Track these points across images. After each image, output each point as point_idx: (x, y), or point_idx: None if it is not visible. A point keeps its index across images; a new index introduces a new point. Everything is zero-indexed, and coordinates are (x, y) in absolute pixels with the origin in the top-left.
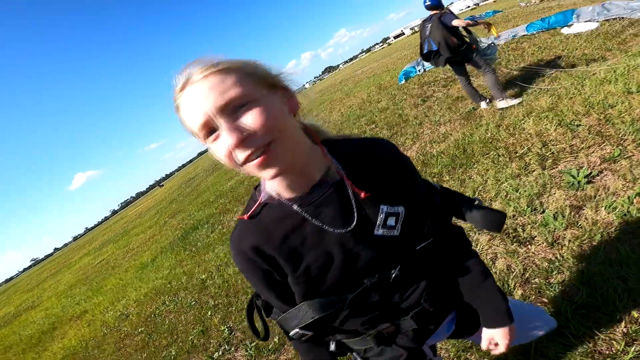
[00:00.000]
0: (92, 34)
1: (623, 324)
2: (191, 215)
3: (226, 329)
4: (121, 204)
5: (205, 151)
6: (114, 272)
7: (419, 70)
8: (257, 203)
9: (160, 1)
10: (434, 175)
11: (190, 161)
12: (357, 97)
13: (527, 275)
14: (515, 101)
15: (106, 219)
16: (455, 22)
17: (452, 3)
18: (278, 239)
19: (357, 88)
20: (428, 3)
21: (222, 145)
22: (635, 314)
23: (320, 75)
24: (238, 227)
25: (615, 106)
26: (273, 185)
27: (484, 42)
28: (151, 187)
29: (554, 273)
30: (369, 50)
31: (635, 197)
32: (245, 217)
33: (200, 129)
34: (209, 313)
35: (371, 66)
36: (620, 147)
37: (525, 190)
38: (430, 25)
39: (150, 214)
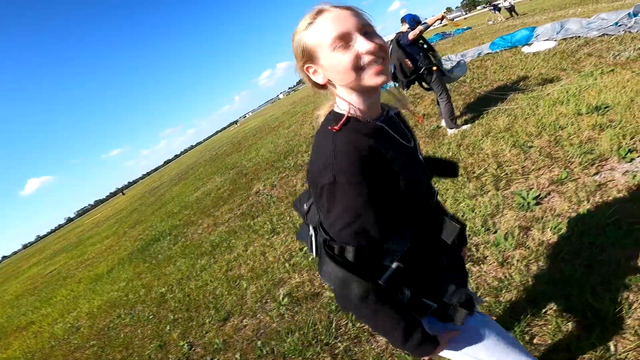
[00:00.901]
0: (46, 31)
1: (566, 342)
2: (153, 226)
3: (186, 344)
4: (78, 211)
5: (172, 159)
6: (66, 283)
7: (390, 86)
8: (345, 117)
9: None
10: None
11: (156, 169)
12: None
13: (479, 293)
14: (466, 127)
15: (60, 226)
16: (410, 36)
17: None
18: (384, 144)
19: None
20: (402, 17)
21: (354, 50)
22: (575, 331)
23: (295, 86)
24: (344, 136)
25: (565, 128)
26: (355, 105)
27: (453, 59)
28: (112, 194)
29: (503, 292)
30: None
31: (578, 220)
32: (337, 127)
33: (336, 38)
34: (168, 327)
35: None
36: (567, 170)
37: (480, 211)
38: (391, 46)
39: (108, 223)
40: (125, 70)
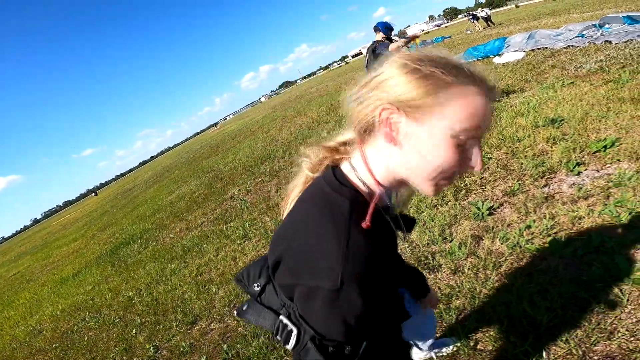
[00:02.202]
0: (15, 27)
1: (505, 348)
2: (124, 229)
3: (152, 347)
4: (45, 212)
5: (148, 161)
6: (29, 286)
7: None
8: (372, 207)
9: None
10: None
11: (130, 170)
12: (308, 116)
13: None
14: None
15: (26, 228)
16: (391, 47)
17: (409, 26)
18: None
19: (309, 106)
20: (375, 25)
21: (463, 159)
22: (513, 338)
23: (277, 89)
24: (362, 235)
25: (522, 140)
26: (382, 189)
27: None
28: (82, 195)
29: (453, 299)
30: (327, 67)
31: (525, 230)
32: (367, 224)
33: (471, 129)
34: (134, 331)
35: (326, 84)
36: (519, 182)
37: (439, 220)
38: (367, 55)
39: (77, 225)
40: (102, 67)
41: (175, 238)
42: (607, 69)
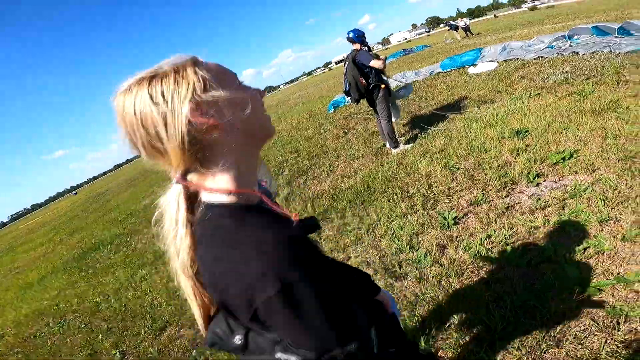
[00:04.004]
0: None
1: (463, 355)
2: (94, 234)
3: (118, 353)
4: (11, 216)
5: (123, 164)
6: None
7: (348, 101)
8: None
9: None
10: (339, 211)
11: (104, 173)
12: (288, 122)
13: (397, 307)
14: (408, 146)
15: None
16: (373, 63)
17: (392, 34)
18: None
19: (290, 113)
20: (348, 36)
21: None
22: (470, 346)
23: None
24: (260, 227)
25: (489, 151)
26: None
27: (408, 76)
28: (52, 198)
29: (417, 306)
30: (310, 73)
31: (485, 239)
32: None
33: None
34: (100, 336)
35: (308, 91)
36: (484, 192)
37: (407, 229)
38: (347, 63)
39: (45, 229)
40: (75, 65)
41: (148, 244)
42: (572, 80)
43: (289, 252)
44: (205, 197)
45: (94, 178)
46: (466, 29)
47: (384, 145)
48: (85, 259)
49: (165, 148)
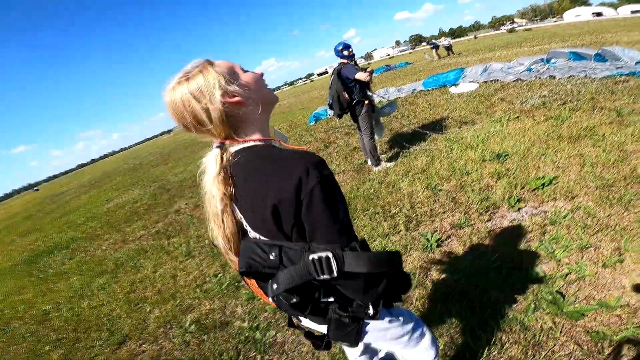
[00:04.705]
0: None
1: None
2: (48, 237)
3: None
4: None
5: (88, 164)
6: None
7: (330, 114)
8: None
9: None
10: None
11: (66, 173)
12: None
13: None
14: (390, 164)
15: None
16: (358, 76)
17: (375, 49)
18: None
19: (270, 122)
20: (338, 48)
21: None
22: None
23: None
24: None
25: (470, 173)
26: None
27: (391, 92)
28: (7, 196)
29: None
30: (292, 83)
31: (469, 263)
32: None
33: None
34: (47, 347)
35: (289, 101)
36: (466, 215)
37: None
38: (333, 76)
39: None
40: (43, 60)
41: (108, 250)
42: (549, 104)
43: (320, 158)
44: (240, 146)
45: (55, 177)
46: (449, 48)
47: (366, 161)
48: (36, 263)
49: (209, 126)
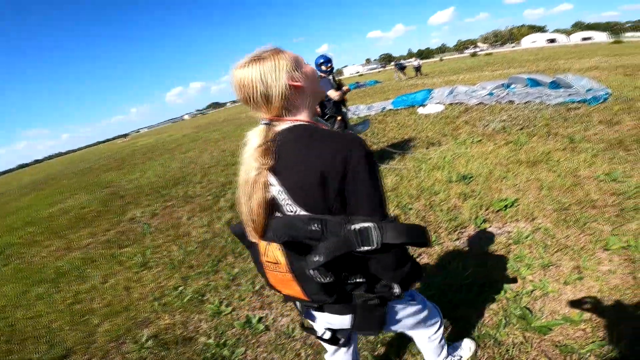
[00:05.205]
0: None
1: None
2: None
3: None
4: None
5: (30, 164)
6: None
7: None
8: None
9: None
10: None
11: (4, 173)
12: (234, 142)
13: (359, 344)
14: None
15: None
16: (330, 93)
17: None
18: None
19: (237, 131)
20: (319, 62)
21: None
22: None
23: (204, 109)
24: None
25: (438, 194)
26: None
27: (361, 109)
28: None
29: (378, 346)
30: None
31: (441, 281)
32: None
33: None
34: None
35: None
36: (436, 234)
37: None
38: None
39: None
40: None
41: (49, 258)
42: (508, 129)
43: (362, 138)
44: (287, 125)
45: None
46: (418, 68)
47: None
48: None
49: (270, 104)
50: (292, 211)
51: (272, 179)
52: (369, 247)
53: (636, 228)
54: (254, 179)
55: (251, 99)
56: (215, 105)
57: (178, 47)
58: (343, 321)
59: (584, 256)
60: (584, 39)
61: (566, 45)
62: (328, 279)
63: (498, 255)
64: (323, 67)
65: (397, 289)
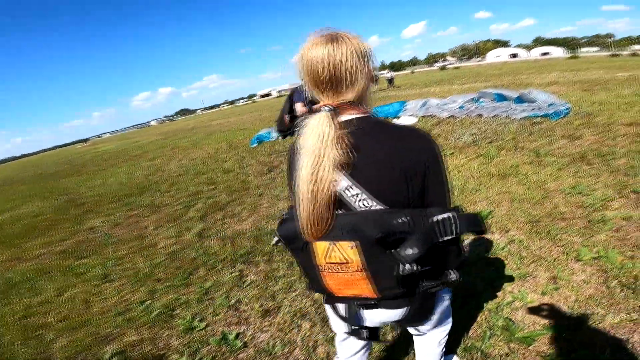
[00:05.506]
0: None
1: None
2: None
3: None
4: None
5: None
6: None
7: (273, 137)
8: None
9: None
10: (265, 255)
11: None
12: (205, 150)
13: None
14: None
15: None
16: (296, 107)
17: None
18: None
19: (207, 140)
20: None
21: None
22: None
23: (172, 115)
24: None
25: None
26: None
27: None
28: None
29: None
30: (233, 102)
31: None
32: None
33: None
34: None
35: (229, 120)
36: None
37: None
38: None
39: None
40: None
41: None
42: (478, 142)
43: None
44: (352, 116)
45: None
46: (390, 80)
47: None
48: None
49: (347, 88)
50: (366, 206)
51: (339, 174)
52: (450, 237)
53: (605, 239)
54: (324, 173)
55: (335, 77)
56: (185, 111)
57: (147, 50)
58: (394, 315)
59: (558, 267)
60: (543, 54)
61: (527, 60)
62: (414, 268)
63: (477, 267)
64: None
65: (454, 275)
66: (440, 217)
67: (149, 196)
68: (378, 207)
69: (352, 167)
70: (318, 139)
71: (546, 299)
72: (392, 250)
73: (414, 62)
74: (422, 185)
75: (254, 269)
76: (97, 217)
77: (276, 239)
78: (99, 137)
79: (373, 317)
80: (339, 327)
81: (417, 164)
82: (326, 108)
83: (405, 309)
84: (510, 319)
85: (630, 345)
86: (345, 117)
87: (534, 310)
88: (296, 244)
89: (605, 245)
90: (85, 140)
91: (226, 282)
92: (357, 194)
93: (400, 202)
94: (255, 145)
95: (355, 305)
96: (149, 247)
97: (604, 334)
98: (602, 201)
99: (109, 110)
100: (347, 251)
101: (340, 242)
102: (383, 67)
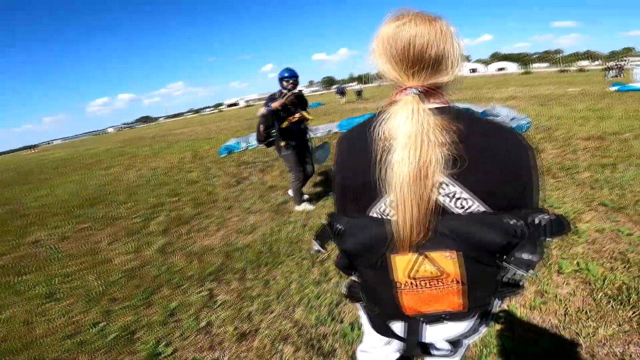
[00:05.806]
0: None
1: None
2: None
3: None
4: None
5: None
6: None
7: (242, 147)
8: None
9: None
10: (236, 272)
11: None
12: (167, 159)
13: None
14: (311, 207)
15: None
16: (273, 105)
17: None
18: None
19: (169, 149)
20: (283, 75)
21: None
22: None
23: (132, 122)
24: None
25: None
26: None
27: (313, 132)
28: None
29: None
30: (198, 111)
31: None
32: None
33: None
34: None
35: (195, 129)
36: None
37: (325, 299)
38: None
39: None
40: None
41: None
42: None
43: None
44: (437, 105)
45: None
46: (359, 92)
47: (284, 201)
48: None
49: (441, 69)
50: (464, 207)
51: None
52: (557, 237)
53: (582, 251)
54: (431, 170)
55: (431, 55)
56: (146, 119)
57: (106, 54)
58: (461, 329)
59: (543, 280)
60: (499, 69)
61: (485, 75)
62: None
63: None
64: (284, 83)
65: (526, 281)
66: (545, 218)
67: (102, 208)
68: (480, 209)
69: (452, 161)
70: (418, 124)
71: (536, 314)
72: (507, 257)
73: (380, 76)
74: (524, 185)
75: (226, 287)
76: (41, 230)
77: (316, 247)
78: (49, 143)
79: (437, 334)
80: (374, 344)
81: (524, 164)
82: (414, 90)
83: (471, 321)
84: (507, 335)
85: (628, 357)
86: (430, 105)
87: (526, 326)
88: (369, 260)
89: (584, 258)
90: (34, 146)
91: (194, 302)
92: (454, 192)
93: (503, 203)
94: (224, 155)
95: (421, 321)
96: (103, 263)
97: (599, 347)
98: (573, 213)
99: (61, 115)
100: (442, 262)
101: (434, 253)
102: (352, 79)
